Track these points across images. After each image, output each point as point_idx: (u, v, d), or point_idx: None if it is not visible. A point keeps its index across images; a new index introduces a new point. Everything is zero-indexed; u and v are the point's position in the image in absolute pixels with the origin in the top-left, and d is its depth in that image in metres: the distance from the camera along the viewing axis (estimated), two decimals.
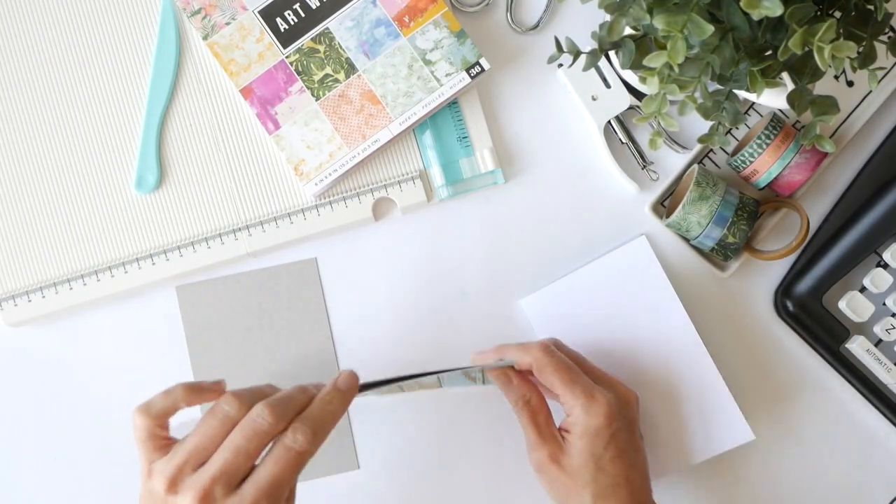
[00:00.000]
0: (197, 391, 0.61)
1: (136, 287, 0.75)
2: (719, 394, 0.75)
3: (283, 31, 0.75)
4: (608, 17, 0.63)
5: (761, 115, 0.79)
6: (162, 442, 0.60)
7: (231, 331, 0.76)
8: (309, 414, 0.60)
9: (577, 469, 0.66)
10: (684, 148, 0.78)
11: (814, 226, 0.78)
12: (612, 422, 0.66)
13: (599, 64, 0.77)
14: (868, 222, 0.76)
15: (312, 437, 0.58)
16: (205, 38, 0.75)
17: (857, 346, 0.76)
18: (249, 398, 0.60)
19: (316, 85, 0.75)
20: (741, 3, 0.54)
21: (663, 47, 0.57)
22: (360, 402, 0.63)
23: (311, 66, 0.75)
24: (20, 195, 0.76)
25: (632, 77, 0.76)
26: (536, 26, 0.79)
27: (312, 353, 0.76)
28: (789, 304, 0.77)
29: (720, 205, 0.73)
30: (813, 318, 0.77)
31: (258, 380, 0.75)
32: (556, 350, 0.69)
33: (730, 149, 0.78)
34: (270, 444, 0.59)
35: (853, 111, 0.78)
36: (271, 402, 0.59)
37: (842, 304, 0.77)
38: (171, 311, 0.76)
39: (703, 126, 0.78)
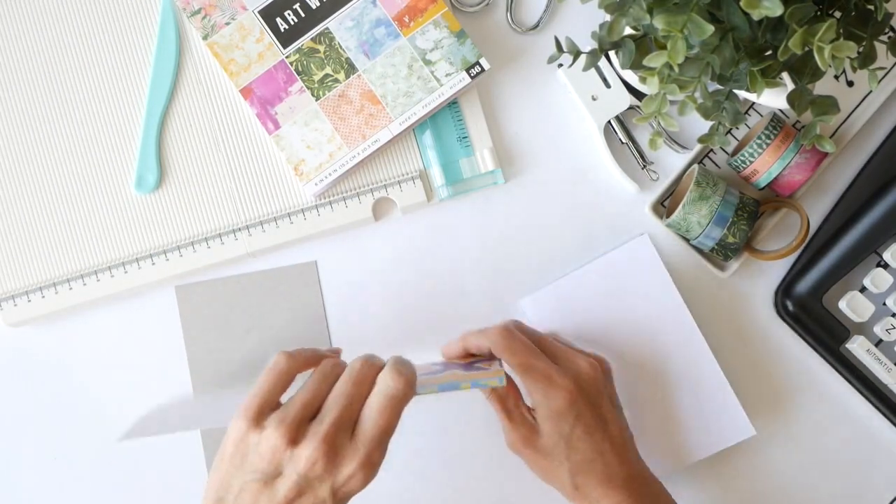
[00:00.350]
0: (319, 356, 0.64)
1: (136, 287, 0.75)
2: (722, 391, 0.75)
3: (283, 31, 0.75)
4: (608, 17, 0.63)
5: (761, 115, 0.79)
6: (279, 397, 0.61)
7: (230, 332, 0.76)
8: (393, 361, 0.61)
9: (550, 449, 0.68)
10: (684, 148, 0.78)
11: (814, 226, 0.78)
12: (573, 403, 0.67)
13: (599, 64, 0.77)
14: (868, 222, 0.76)
15: (403, 379, 0.60)
16: (205, 38, 0.75)
17: (858, 346, 0.76)
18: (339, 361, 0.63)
19: (316, 85, 0.75)
20: (741, 3, 0.54)
21: (663, 47, 0.57)
22: None
23: (311, 66, 0.75)
24: (20, 195, 0.76)
25: (632, 77, 0.76)
26: (536, 26, 0.79)
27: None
28: (789, 304, 0.77)
29: (720, 205, 0.73)
30: (813, 318, 0.77)
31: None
32: (515, 332, 0.69)
33: (730, 149, 0.78)
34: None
35: (853, 111, 0.78)
36: (362, 356, 0.62)
37: (842, 304, 0.77)
38: (170, 311, 0.76)
39: (703, 126, 0.78)
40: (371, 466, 0.59)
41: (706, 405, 0.75)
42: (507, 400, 0.70)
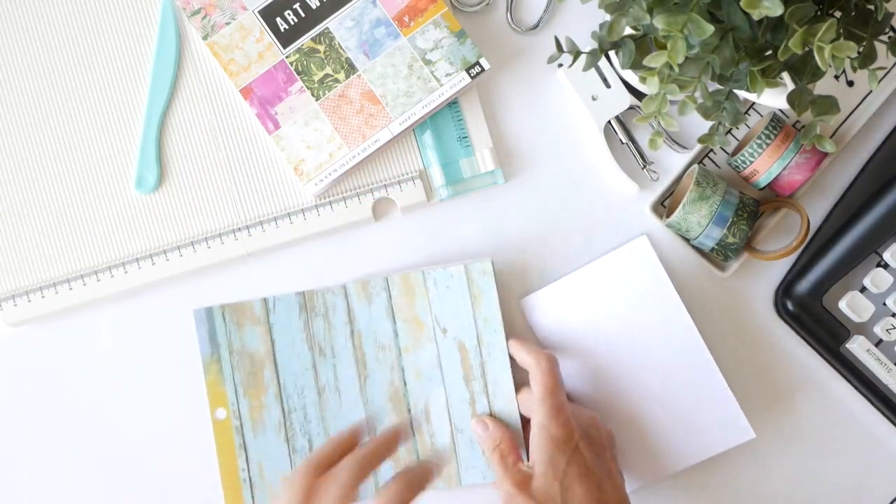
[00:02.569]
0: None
1: (136, 287, 0.75)
2: (720, 393, 0.75)
3: (283, 30, 0.75)
4: (608, 17, 0.63)
5: (761, 115, 0.79)
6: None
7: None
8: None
9: (544, 489, 0.65)
10: (684, 148, 0.78)
11: (814, 226, 0.78)
12: (571, 437, 0.67)
13: (599, 64, 0.77)
14: (868, 222, 0.76)
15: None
16: (205, 38, 0.75)
17: (858, 346, 0.76)
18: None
19: (316, 85, 0.75)
20: (741, 3, 0.54)
21: (663, 47, 0.57)
22: None
23: (311, 66, 0.75)
24: (20, 195, 0.76)
25: (632, 77, 0.76)
26: (536, 26, 0.79)
27: None
28: (789, 304, 0.77)
29: (720, 205, 0.73)
30: (813, 318, 0.77)
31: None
32: (556, 369, 0.70)
33: (730, 149, 0.78)
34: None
35: (853, 111, 0.78)
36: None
37: (842, 304, 0.77)
38: (170, 310, 0.76)
39: (703, 126, 0.78)
40: None
41: (705, 407, 0.75)
42: (508, 457, 0.70)
